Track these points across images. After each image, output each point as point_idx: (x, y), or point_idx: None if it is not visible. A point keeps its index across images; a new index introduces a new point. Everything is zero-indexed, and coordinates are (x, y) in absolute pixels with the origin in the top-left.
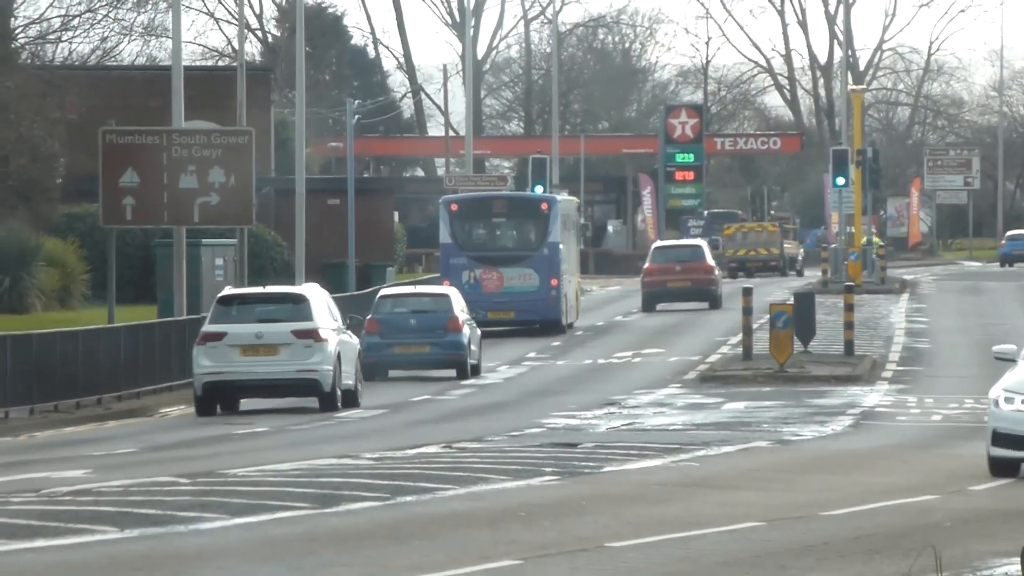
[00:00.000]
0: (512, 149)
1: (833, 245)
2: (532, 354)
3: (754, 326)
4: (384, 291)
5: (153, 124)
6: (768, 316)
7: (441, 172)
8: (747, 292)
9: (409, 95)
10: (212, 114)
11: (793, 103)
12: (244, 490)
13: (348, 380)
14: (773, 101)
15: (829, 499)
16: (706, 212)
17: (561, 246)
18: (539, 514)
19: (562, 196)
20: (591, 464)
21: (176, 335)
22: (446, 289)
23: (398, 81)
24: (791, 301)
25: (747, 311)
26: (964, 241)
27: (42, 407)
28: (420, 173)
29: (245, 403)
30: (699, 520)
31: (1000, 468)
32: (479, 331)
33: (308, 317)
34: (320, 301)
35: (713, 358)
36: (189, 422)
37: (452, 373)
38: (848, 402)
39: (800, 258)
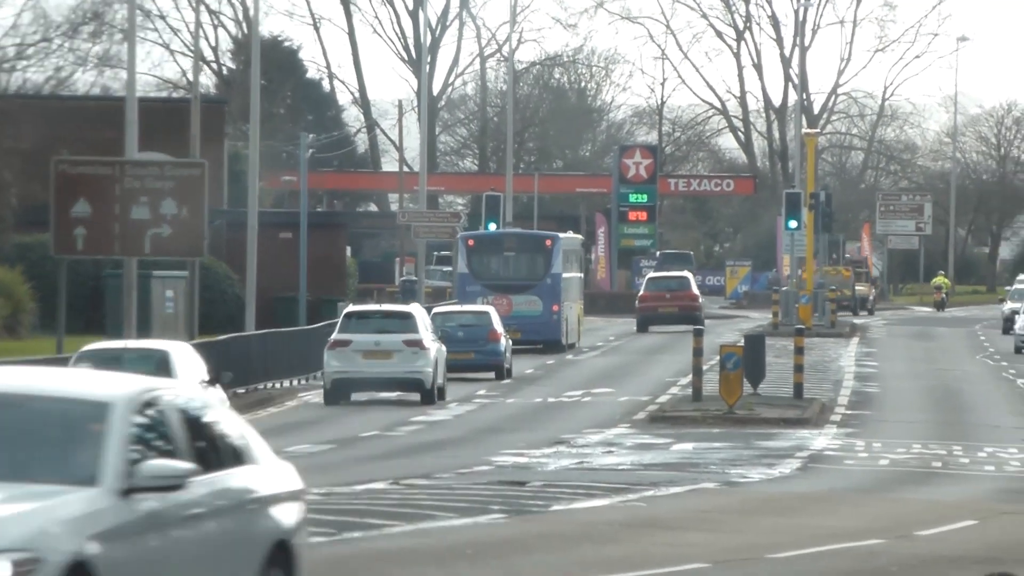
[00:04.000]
0: (466, 186)
1: (784, 288)
2: (482, 391)
3: (704, 367)
4: (436, 309)
5: (107, 155)
6: (719, 357)
7: (395, 208)
8: (698, 333)
9: (364, 130)
10: (166, 146)
11: (747, 145)
12: None
13: (440, 380)
14: (727, 143)
15: (776, 542)
16: (659, 253)
17: (564, 276)
18: (486, 552)
19: (566, 234)
20: (539, 503)
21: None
22: (487, 308)
23: (353, 116)
24: (741, 343)
25: (697, 352)
26: (915, 286)
27: None
28: (373, 208)
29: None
30: (646, 560)
31: None
32: (511, 342)
33: (415, 330)
34: (422, 318)
35: (663, 398)
36: None
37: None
38: (796, 445)
39: (871, 298)
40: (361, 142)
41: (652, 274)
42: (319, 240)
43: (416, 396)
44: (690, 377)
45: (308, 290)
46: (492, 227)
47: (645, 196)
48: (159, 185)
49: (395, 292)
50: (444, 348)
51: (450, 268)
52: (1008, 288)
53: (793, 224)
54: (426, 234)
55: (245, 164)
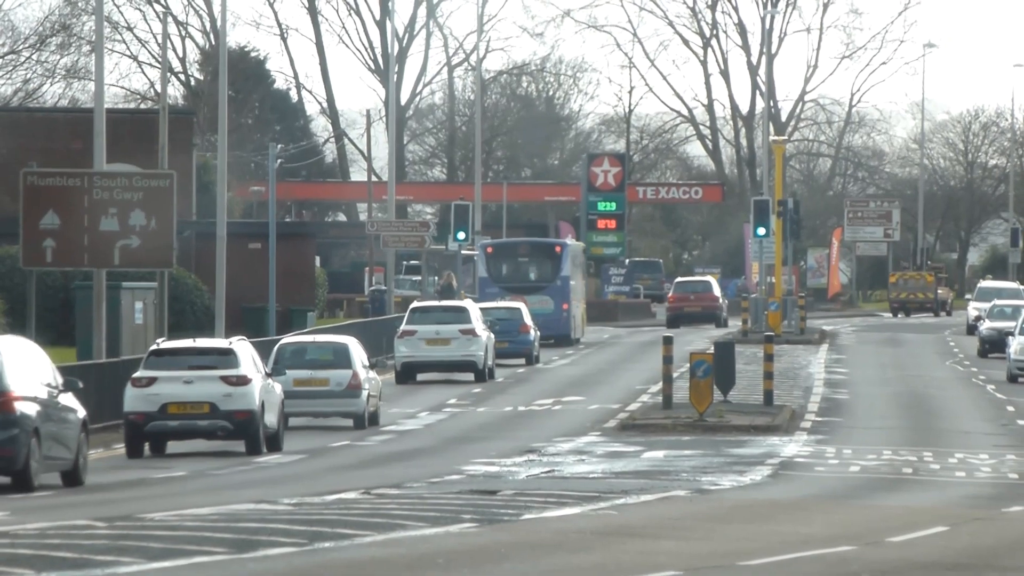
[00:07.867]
0: (435, 195)
1: (753, 295)
2: (453, 400)
3: (674, 375)
4: (476, 305)
5: (75, 166)
6: (688, 365)
7: (363, 217)
8: (668, 341)
9: (332, 140)
10: (134, 157)
11: (715, 153)
12: (161, 534)
13: (490, 362)
14: (695, 151)
15: (747, 549)
16: (628, 261)
17: (571, 280)
18: (457, 561)
19: (572, 241)
20: (510, 511)
21: (95, 377)
22: (519, 304)
23: (321, 126)
24: (711, 350)
25: (667, 360)
26: (884, 292)
27: None
28: (342, 218)
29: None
30: (618, 568)
31: None
32: (539, 333)
33: (469, 321)
34: (475, 311)
35: (633, 406)
36: (115, 464)
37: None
38: (767, 452)
39: (950, 301)
40: (329, 152)
41: (679, 279)
42: (288, 250)
43: (471, 376)
44: (660, 384)
45: (277, 300)
46: (461, 236)
47: (614, 204)
48: (128, 196)
49: (364, 302)
50: (493, 336)
51: (419, 277)
52: (978, 302)
53: (762, 231)
54: (395, 243)
55: (213, 175)
